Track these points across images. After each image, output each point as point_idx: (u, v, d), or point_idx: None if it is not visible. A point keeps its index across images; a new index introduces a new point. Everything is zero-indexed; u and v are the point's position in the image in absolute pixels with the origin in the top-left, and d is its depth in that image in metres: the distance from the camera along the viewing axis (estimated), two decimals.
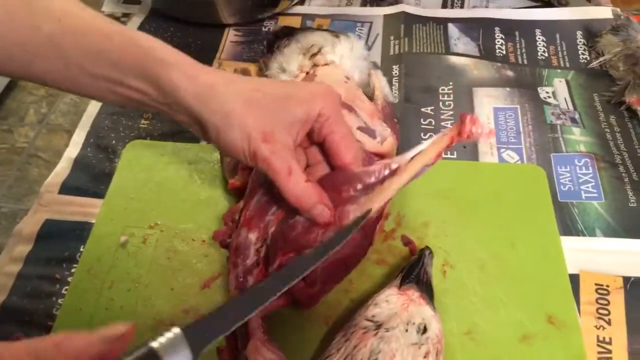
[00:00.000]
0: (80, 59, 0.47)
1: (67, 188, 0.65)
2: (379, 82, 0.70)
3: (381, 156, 0.59)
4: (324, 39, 0.71)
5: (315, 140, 0.51)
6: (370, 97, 0.67)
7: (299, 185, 0.47)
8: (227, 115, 0.46)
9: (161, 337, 0.35)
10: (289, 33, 0.74)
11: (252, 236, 0.51)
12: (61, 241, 0.60)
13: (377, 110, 0.64)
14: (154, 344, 0.34)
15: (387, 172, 0.50)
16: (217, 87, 0.47)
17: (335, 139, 0.50)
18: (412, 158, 0.50)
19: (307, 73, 0.68)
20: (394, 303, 0.46)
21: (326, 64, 0.68)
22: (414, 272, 0.49)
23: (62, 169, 0.67)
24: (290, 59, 0.70)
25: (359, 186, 0.50)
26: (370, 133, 0.60)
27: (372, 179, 0.50)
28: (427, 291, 0.48)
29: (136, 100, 0.49)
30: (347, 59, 0.69)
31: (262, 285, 0.44)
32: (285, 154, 0.47)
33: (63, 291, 0.56)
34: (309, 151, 0.53)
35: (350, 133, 0.51)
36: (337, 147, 0.50)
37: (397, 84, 0.76)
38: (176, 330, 0.35)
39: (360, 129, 0.59)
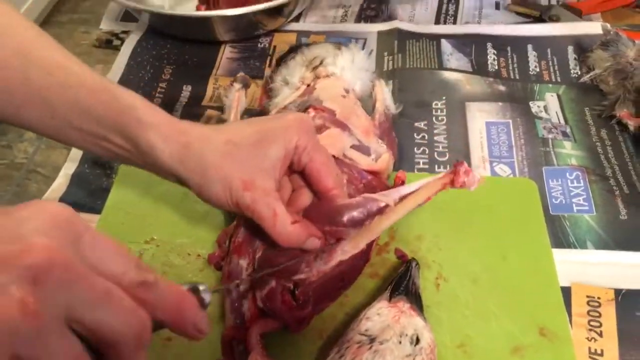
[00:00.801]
0: (66, 112, 0.48)
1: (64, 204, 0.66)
2: (382, 93, 0.70)
3: (375, 173, 0.60)
4: (327, 51, 0.72)
5: (295, 170, 0.52)
6: (372, 108, 0.68)
7: (286, 229, 0.47)
8: (205, 172, 0.47)
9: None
10: (299, 46, 0.76)
11: (243, 262, 0.52)
12: None
13: (373, 125, 0.65)
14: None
15: (375, 208, 0.50)
16: (192, 146, 0.48)
17: (314, 166, 0.50)
18: (401, 198, 0.50)
19: (308, 85, 0.69)
20: (385, 316, 0.47)
21: (327, 76, 0.69)
22: (402, 284, 0.50)
23: (59, 185, 0.68)
24: (294, 72, 0.71)
25: (346, 219, 0.50)
26: (365, 150, 0.61)
27: (360, 215, 0.50)
28: (417, 302, 0.49)
29: (120, 155, 0.50)
30: (347, 71, 0.70)
31: None
32: (268, 199, 0.47)
33: None
34: (292, 178, 0.53)
35: (329, 159, 0.52)
36: (317, 174, 0.51)
37: None
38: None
39: (353, 147, 0.60)
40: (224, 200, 0.48)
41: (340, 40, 0.87)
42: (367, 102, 0.69)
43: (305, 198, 0.53)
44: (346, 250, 0.50)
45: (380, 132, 0.65)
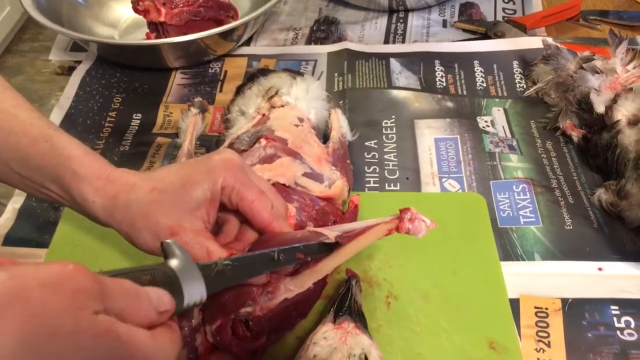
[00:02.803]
0: (8, 158, 0.50)
1: (11, 239, 0.65)
2: (337, 121, 0.71)
3: (329, 199, 0.61)
4: (283, 80, 0.72)
5: (230, 209, 0.51)
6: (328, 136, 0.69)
7: None
8: (132, 222, 0.48)
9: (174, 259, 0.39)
10: (256, 75, 0.75)
11: None
12: None
13: (326, 153, 0.65)
14: (172, 263, 0.39)
15: (317, 241, 0.49)
16: (118, 197, 0.48)
17: (246, 205, 0.50)
18: (346, 234, 0.49)
19: (263, 115, 0.69)
20: (331, 339, 0.46)
21: (282, 106, 0.69)
22: (345, 303, 0.50)
23: (6, 220, 0.67)
24: (249, 102, 0.71)
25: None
26: (317, 178, 0.61)
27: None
28: (361, 320, 0.49)
29: (61, 202, 0.51)
30: (302, 100, 0.71)
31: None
32: (199, 239, 0.47)
33: None
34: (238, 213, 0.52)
35: (261, 193, 0.50)
36: (250, 212, 0.50)
37: None
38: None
39: (305, 174, 0.61)
40: (154, 248, 0.48)
41: (291, 63, 0.88)
42: (325, 131, 0.70)
43: (252, 232, 0.52)
44: (291, 289, 0.49)
45: (334, 159, 0.66)
